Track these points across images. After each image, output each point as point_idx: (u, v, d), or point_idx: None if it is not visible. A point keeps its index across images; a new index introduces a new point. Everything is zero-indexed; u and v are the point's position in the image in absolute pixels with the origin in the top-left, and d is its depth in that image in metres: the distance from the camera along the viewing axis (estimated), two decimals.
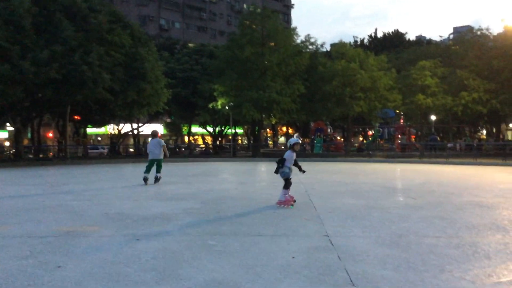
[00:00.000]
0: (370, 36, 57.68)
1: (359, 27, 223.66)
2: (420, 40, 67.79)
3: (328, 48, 41.71)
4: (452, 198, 9.69)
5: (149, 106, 30.69)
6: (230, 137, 47.38)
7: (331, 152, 34.99)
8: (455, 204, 8.77)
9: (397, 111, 40.11)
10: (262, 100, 28.70)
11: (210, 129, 46.18)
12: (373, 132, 42.95)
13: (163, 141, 13.96)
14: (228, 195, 10.42)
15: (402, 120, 47.85)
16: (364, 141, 49.79)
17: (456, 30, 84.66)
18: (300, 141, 8.81)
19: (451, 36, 72.52)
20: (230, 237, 5.83)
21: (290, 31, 33.62)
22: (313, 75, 31.99)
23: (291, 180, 8.54)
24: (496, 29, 79.99)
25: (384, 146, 38.78)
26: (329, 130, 40.63)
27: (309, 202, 9.03)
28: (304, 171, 8.68)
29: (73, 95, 25.60)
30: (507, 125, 51.25)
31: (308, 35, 34.03)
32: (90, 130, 41.62)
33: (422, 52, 40.60)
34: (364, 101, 30.65)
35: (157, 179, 13.28)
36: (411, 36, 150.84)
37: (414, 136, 43.24)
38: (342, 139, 46.36)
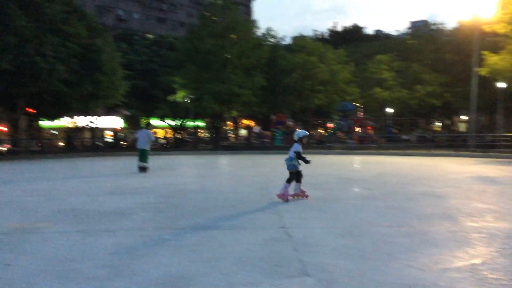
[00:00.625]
0: (330, 30, 58.53)
1: (319, 21, 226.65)
2: (378, 34, 69.25)
3: (289, 42, 42.01)
4: (406, 188, 10.00)
5: (106, 98, 29.92)
6: (191, 130, 46.98)
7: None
8: (408, 194, 9.05)
9: (356, 104, 40.97)
10: (223, 93, 28.59)
11: (171, 122, 45.62)
12: (333, 124, 43.63)
13: (152, 134, 15.34)
14: (187, 188, 10.35)
15: (361, 113, 48.88)
16: (325, 133, 50.54)
17: (413, 24, 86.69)
18: (307, 134, 8.72)
19: (408, 31, 74.43)
20: (187, 231, 5.81)
21: (251, 24, 33.57)
22: (274, 68, 32.15)
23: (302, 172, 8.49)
24: (450, 24, 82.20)
25: (344, 139, 39.47)
26: (290, 122, 40.94)
27: (268, 194, 9.09)
28: (308, 161, 8.38)
29: (26, 87, 24.65)
30: (459, 117, 53.23)
31: (269, 28, 34.14)
32: (47, 123, 40.24)
33: (380, 46, 41.56)
34: (324, 94, 31.11)
35: (141, 169, 14.38)
36: (369, 30, 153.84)
37: (371, 128, 44.26)
38: None
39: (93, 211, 7.36)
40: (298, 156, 8.31)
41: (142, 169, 14.41)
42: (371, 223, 6.22)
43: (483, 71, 24.02)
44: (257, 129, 40.19)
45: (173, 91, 31.42)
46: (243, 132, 64.97)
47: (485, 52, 24.11)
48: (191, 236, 5.56)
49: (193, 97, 30.48)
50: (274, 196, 8.50)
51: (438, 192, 9.34)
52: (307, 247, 4.96)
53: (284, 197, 8.21)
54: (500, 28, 22.41)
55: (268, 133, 43.53)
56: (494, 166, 16.98)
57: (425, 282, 3.80)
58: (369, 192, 9.44)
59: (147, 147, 14.71)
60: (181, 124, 46.38)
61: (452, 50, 33.11)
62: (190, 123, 43.86)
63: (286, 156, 8.47)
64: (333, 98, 31.71)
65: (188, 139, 46.89)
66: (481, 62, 24.59)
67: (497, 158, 22.05)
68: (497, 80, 25.30)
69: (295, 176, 8.42)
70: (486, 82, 27.70)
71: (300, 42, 33.42)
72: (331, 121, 44.38)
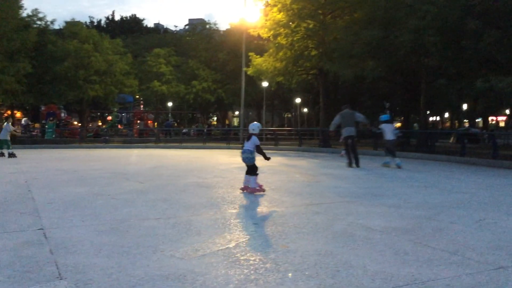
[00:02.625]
0: (108, 18, 56.19)
1: (97, 8, 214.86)
2: (158, 28, 69.79)
3: (62, 27, 38.76)
4: (178, 180, 10.28)
5: None
6: None
7: (65, 138, 32.78)
8: (179, 186, 9.32)
9: (137, 96, 40.50)
10: None
11: None
12: (111, 117, 42.18)
13: (10, 126, 18.21)
14: None
15: (141, 106, 48.56)
16: (103, 126, 48.52)
17: (191, 22, 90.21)
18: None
19: (187, 28, 77.12)
20: None
21: (13, 2, 29.70)
22: (43, 54, 29.21)
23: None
24: (224, 25, 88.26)
25: (123, 132, 38.60)
26: (62, 114, 37.99)
27: (27, 193, 8.17)
28: (268, 158, 8.60)
29: None
30: (233, 112, 57.83)
31: (36, 9, 30.79)
32: None
33: (159, 40, 41.92)
34: (100, 85, 29.72)
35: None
36: (149, 23, 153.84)
37: (152, 121, 44.48)
38: (80, 124, 44.07)
39: None
40: (258, 150, 8.23)
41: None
42: (139, 217, 6.16)
43: (249, 71, 26.48)
44: (24, 121, 36.01)
45: None
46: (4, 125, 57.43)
47: (251, 54, 26.61)
48: None
49: None
50: (35, 194, 7.69)
51: (207, 182, 9.88)
52: (66, 248, 4.59)
53: (261, 190, 8.32)
54: (263, 33, 25.01)
55: (37, 125, 39.54)
56: (259, 157, 18.89)
57: (183, 270, 3.91)
58: (142, 185, 9.38)
59: (6, 137, 17.67)
60: None
61: (224, 50, 35.61)
62: None
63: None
64: (110, 89, 30.54)
65: None
66: (248, 62, 27.06)
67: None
68: (261, 80, 28.25)
69: (252, 169, 8.29)
70: (253, 81, 30.70)
71: (72, 28, 31.07)
72: (110, 113, 42.88)
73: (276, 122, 56.28)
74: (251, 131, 8.48)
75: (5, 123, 18.82)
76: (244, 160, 8.39)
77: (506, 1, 14.87)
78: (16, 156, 17.41)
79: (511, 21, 14.92)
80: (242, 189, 8.52)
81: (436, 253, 4.54)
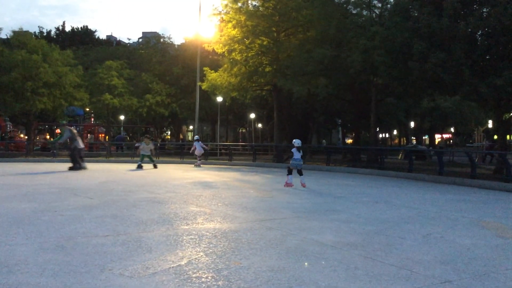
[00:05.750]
0: (58, 29, 54.62)
1: (47, 17, 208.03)
2: (110, 40, 68.54)
3: (9, 36, 37.25)
4: (129, 195, 10.02)
5: None
6: None
7: (11, 151, 31.31)
8: (130, 201, 9.08)
9: (87, 109, 39.37)
10: None
11: None
12: (60, 130, 40.75)
13: None
14: None
15: (92, 119, 47.27)
16: (51, 139, 46.77)
17: (145, 34, 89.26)
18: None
19: (140, 40, 76.21)
20: None
21: None
22: None
23: None
24: (179, 40, 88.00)
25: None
26: (8, 127, 36.39)
27: None
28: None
29: None
30: (187, 126, 57.32)
31: None
32: None
33: (111, 52, 41.12)
34: (48, 97, 28.66)
35: None
36: (101, 34, 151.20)
37: (103, 135, 43.31)
38: (27, 137, 42.25)
39: None
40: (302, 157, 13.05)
41: None
42: (87, 234, 5.94)
43: (204, 86, 26.43)
44: None
45: None
46: None
47: (206, 68, 26.59)
48: None
49: None
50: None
51: (159, 198, 9.69)
52: (8, 267, 4.35)
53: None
54: (218, 48, 25.10)
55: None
56: (212, 172, 18.81)
57: None
58: (91, 201, 9.07)
59: None
60: None
61: (179, 64, 35.40)
62: None
63: None
64: (59, 102, 29.49)
65: None
66: (203, 77, 27.00)
67: (215, 164, 24.55)
68: (216, 94, 28.24)
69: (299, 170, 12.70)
70: (208, 96, 30.62)
71: (20, 37, 29.85)
72: (58, 126, 41.39)
73: (230, 137, 56.28)
74: (298, 145, 12.82)
75: None
76: (297, 166, 12.76)
77: (450, 25, 15.67)
78: None
79: (455, 43, 15.72)
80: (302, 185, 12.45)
81: (385, 268, 4.64)
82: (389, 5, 22.91)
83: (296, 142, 12.98)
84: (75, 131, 19.61)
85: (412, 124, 47.77)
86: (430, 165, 22.27)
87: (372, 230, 6.63)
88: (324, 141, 51.82)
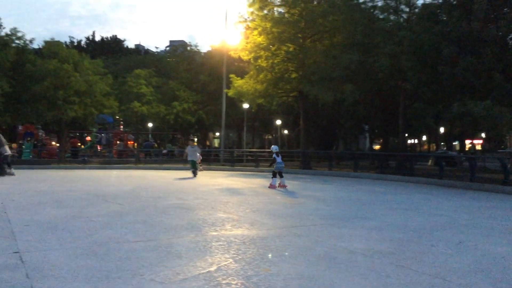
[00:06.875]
0: (88, 39, 56.01)
1: (77, 27, 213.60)
2: (139, 49, 69.86)
3: (42, 46, 38.46)
4: (158, 202, 10.14)
5: None
6: None
7: (43, 158, 32.14)
8: (159, 207, 9.19)
9: (117, 117, 40.14)
10: None
11: None
12: (91, 137, 41.63)
13: None
14: None
15: (121, 126, 48.10)
16: (82, 147, 47.84)
17: (172, 43, 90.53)
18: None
19: (168, 49, 77.38)
20: None
21: None
22: (21, 73, 28.84)
23: None
24: (205, 47, 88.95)
25: (102, 152, 38.02)
26: (40, 134, 37.31)
27: (3, 215, 7.94)
28: None
29: None
30: (213, 133, 57.75)
31: (15, 28, 30.49)
32: None
33: (139, 60, 41.92)
34: (79, 105, 29.39)
35: None
36: (130, 44, 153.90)
37: (132, 142, 44.00)
38: (58, 145, 43.33)
39: None
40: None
41: None
42: (118, 240, 6.04)
43: (230, 92, 26.60)
44: None
45: None
46: None
47: (232, 75, 26.77)
48: None
49: None
50: (11, 216, 7.49)
51: (187, 204, 9.77)
52: (43, 272, 4.46)
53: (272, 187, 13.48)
54: (244, 55, 25.25)
55: (14, 145, 38.69)
56: (239, 178, 18.87)
57: None
58: (121, 207, 9.22)
59: None
60: None
61: (205, 72, 35.79)
62: None
63: None
64: (89, 110, 30.22)
65: None
66: (229, 84, 27.20)
67: (242, 171, 24.61)
68: (242, 101, 28.39)
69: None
70: (234, 103, 30.82)
71: (52, 47, 30.80)
72: (89, 133, 42.34)
73: (256, 143, 56.37)
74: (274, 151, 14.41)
75: None
76: (281, 169, 14.08)
77: (479, 29, 15.38)
78: None
79: (485, 47, 15.40)
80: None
81: (418, 276, 4.56)
82: (417, 10, 22.61)
83: (274, 148, 15.02)
84: (2, 137, 19.45)
85: (441, 129, 46.85)
86: (461, 171, 21.77)
87: (402, 237, 6.52)
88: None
